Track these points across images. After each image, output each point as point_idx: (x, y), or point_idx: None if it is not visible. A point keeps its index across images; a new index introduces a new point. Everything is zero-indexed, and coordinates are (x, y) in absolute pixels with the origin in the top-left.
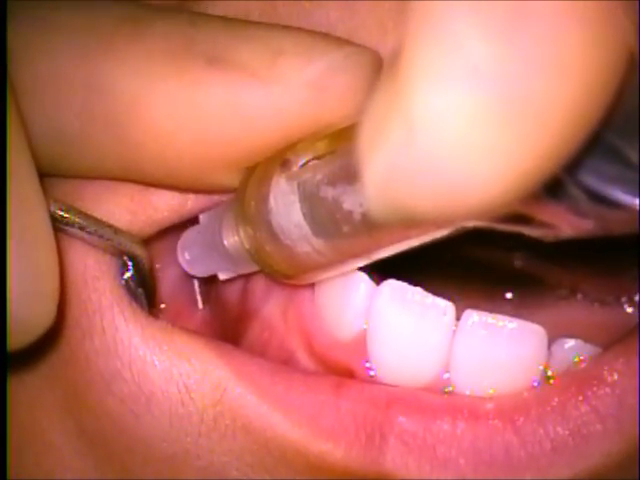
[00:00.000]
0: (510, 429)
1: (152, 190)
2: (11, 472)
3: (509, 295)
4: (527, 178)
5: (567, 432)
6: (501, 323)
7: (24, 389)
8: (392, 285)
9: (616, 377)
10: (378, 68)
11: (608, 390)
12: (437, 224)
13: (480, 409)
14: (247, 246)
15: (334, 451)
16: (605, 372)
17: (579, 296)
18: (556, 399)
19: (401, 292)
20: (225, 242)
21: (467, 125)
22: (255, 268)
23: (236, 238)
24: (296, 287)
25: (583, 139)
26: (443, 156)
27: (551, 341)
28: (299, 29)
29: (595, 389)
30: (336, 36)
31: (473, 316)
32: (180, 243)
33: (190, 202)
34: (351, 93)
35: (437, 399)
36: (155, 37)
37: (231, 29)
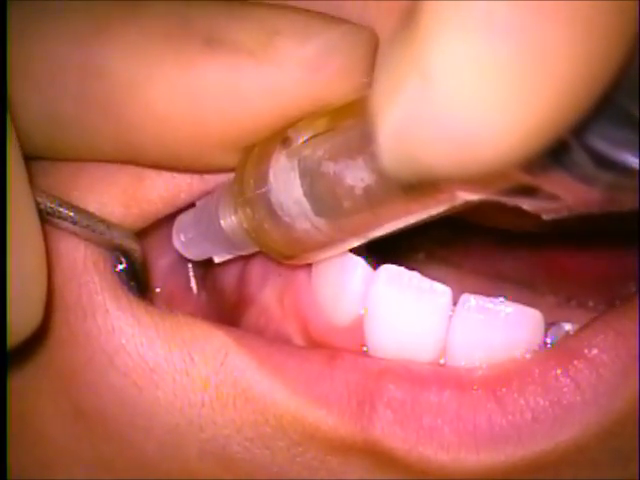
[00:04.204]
0: (492, 399)
1: (145, 182)
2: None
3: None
4: (541, 131)
5: (547, 403)
6: (498, 307)
7: (14, 379)
8: (389, 270)
9: (595, 352)
10: (375, 46)
11: (587, 364)
12: (448, 182)
13: (466, 380)
14: (245, 225)
15: (327, 418)
16: (584, 347)
17: (573, 303)
18: (537, 371)
19: (398, 276)
20: (222, 222)
21: (483, 76)
22: (252, 249)
23: (233, 218)
24: (293, 272)
25: (597, 96)
26: (459, 107)
27: (549, 326)
28: (296, 8)
29: (575, 362)
30: (333, 15)
31: (470, 300)
32: (175, 226)
33: (183, 194)
34: (347, 72)
35: (426, 370)
36: (151, 18)
37: (227, 9)
